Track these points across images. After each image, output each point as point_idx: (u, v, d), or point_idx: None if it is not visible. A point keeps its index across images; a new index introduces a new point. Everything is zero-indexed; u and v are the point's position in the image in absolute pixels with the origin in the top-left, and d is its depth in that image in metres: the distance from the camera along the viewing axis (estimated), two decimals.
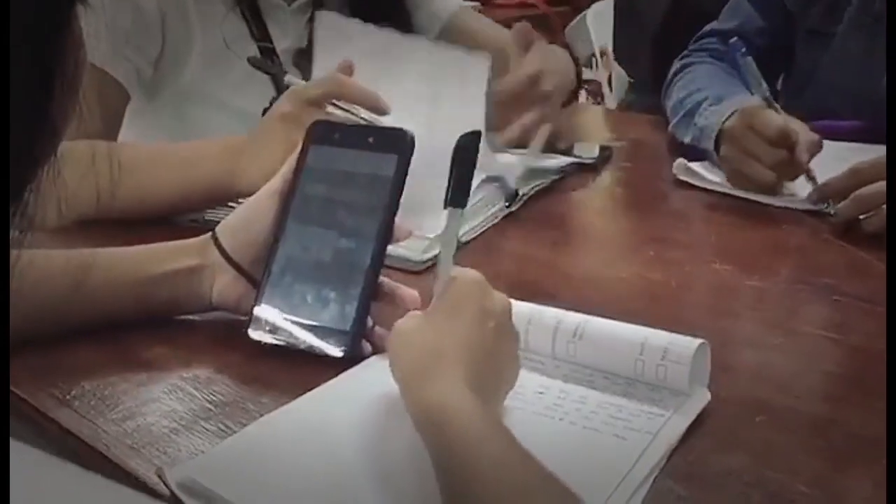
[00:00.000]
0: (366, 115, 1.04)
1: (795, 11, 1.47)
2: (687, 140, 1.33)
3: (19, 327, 0.56)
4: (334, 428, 0.72)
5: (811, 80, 1.46)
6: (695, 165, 1.25)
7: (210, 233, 0.85)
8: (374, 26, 1.17)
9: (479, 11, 1.65)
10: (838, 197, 1.10)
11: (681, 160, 1.26)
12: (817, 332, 0.88)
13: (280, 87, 1.30)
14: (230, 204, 1.05)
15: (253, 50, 1.30)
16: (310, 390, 0.75)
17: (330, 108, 1.05)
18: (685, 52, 1.54)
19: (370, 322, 0.82)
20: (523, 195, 1.16)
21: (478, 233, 1.08)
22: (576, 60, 1.48)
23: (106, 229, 1.05)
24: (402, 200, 0.84)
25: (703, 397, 0.75)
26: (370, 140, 0.85)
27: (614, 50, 2.23)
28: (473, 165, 0.73)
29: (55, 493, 0.35)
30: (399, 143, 0.84)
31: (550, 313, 0.81)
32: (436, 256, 1.00)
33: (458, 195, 0.74)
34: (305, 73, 1.33)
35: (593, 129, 1.60)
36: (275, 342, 0.81)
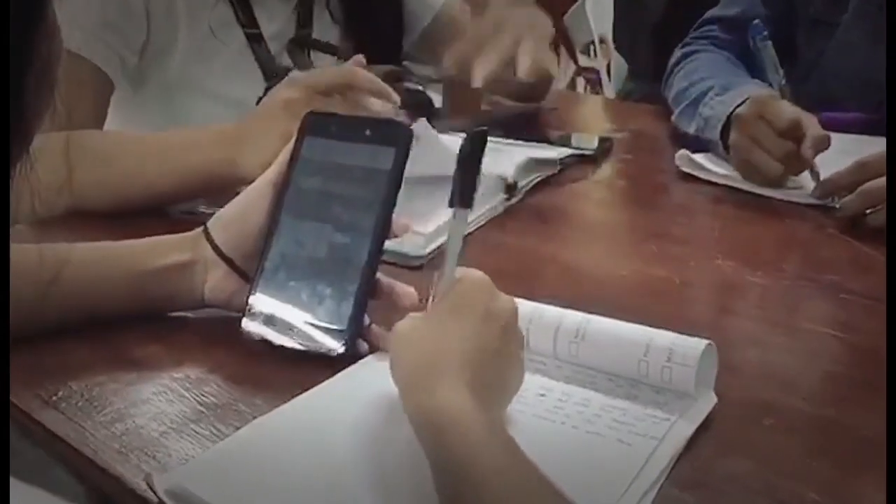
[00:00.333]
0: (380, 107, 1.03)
1: (798, 0, 1.44)
2: (691, 130, 1.31)
3: None
4: (330, 431, 0.69)
5: (814, 69, 1.43)
6: (698, 157, 1.23)
7: (201, 227, 0.83)
8: None
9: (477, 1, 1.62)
10: (844, 191, 1.08)
11: (683, 151, 1.23)
12: (823, 330, 0.86)
13: (269, 75, 1.28)
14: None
15: (240, 36, 1.27)
16: (304, 391, 0.73)
17: None
18: (686, 41, 1.51)
19: (367, 320, 0.80)
20: (522, 188, 1.14)
21: (476, 227, 1.05)
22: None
23: (97, 221, 1.04)
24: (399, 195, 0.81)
25: (709, 400, 0.73)
26: (367, 132, 0.82)
27: (614, 38, 2.20)
28: (480, 164, 0.71)
29: None
30: (397, 136, 0.82)
31: (552, 312, 0.79)
32: (434, 251, 0.98)
33: (464, 195, 0.71)
34: (298, 63, 1.31)
35: (592, 120, 1.58)
36: (268, 341, 0.79)
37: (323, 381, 0.75)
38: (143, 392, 0.74)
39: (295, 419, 0.71)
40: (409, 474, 0.65)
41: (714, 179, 1.20)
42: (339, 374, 0.76)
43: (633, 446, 0.68)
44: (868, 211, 1.07)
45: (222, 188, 1.03)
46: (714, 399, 0.73)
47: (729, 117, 1.21)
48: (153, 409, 0.71)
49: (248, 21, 1.27)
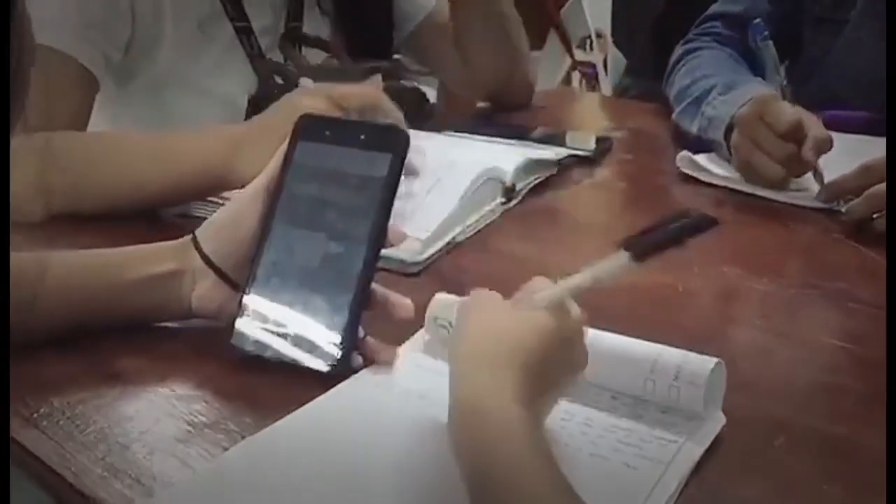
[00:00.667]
0: None
1: None
2: (693, 130, 1.28)
3: None
4: (323, 452, 0.67)
5: (819, 67, 1.40)
6: (700, 158, 1.20)
7: (190, 235, 0.80)
8: None
9: None
10: (849, 195, 1.05)
11: (685, 153, 1.20)
12: (832, 342, 0.84)
13: (259, 72, 1.25)
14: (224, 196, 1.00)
15: (228, 30, 1.24)
16: (297, 407, 0.70)
17: None
18: (689, 37, 1.48)
19: (361, 332, 0.77)
20: (521, 190, 1.11)
21: (474, 231, 1.02)
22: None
23: (85, 225, 1.00)
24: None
25: (718, 420, 0.70)
26: (362, 137, 0.79)
27: (612, 33, 2.17)
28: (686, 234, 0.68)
29: None
30: (393, 142, 0.79)
31: None
32: (432, 257, 0.96)
33: (642, 247, 0.68)
34: (290, 58, 1.28)
35: (589, 118, 1.55)
36: (258, 354, 0.76)
37: (316, 396, 0.72)
38: (128, 409, 0.71)
39: (287, 439, 0.68)
40: (407, 494, 0.62)
41: (716, 182, 1.17)
42: (333, 391, 0.73)
43: (639, 471, 0.65)
44: (875, 215, 1.04)
45: (218, 191, 1.01)
46: (723, 419, 0.70)
47: (732, 118, 1.18)
48: (138, 428, 0.68)
49: (236, 14, 1.24)
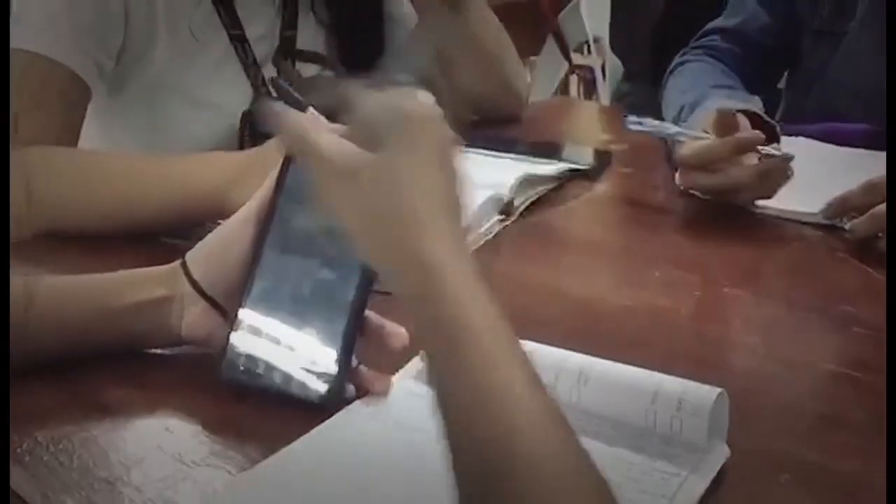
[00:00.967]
0: None
1: (802, 9, 1.39)
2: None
3: None
4: (314, 491, 0.65)
5: (818, 80, 1.38)
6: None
7: (179, 260, 0.78)
8: None
9: None
10: (853, 212, 1.03)
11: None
12: (839, 369, 0.82)
13: (255, 80, 1.23)
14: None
15: (223, 38, 1.22)
16: (288, 442, 0.68)
17: None
18: (684, 50, 1.46)
19: (355, 361, 0.75)
20: (518, 207, 1.09)
21: (470, 251, 1.00)
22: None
23: (66, 249, 0.98)
24: None
25: (721, 453, 0.68)
26: None
27: (611, 40, 2.15)
28: None
29: None
30: None
31: (552, 354, 0.74)
32: None
33: None
34: (283, 72, 1.26)
35: (587, 130, 1.53)
36: (249, 384, 0.74)
37: (309, 428, 0.70)
38: (115, 443, 0.69)
39: (278, 477, 0.66)
40: None
41: (715, 199, 1.15)
42: (325, 424, 0.71)
43: None
44: (880, 234, 1.02)
45: (208, 219, 0.98)
46: (726, 451, 0.68)
47: None
48: (125, 464, 0.66)
49: (231, 21, 1.22)
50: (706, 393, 0.68)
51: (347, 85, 1.17)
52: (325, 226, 0.75)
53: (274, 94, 1.22)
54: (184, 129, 1.21)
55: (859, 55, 1.34)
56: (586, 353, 0.75)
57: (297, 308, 0.75)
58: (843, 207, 1.06)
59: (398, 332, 0.75)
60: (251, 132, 1.20)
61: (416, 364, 0.78)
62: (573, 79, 2.71)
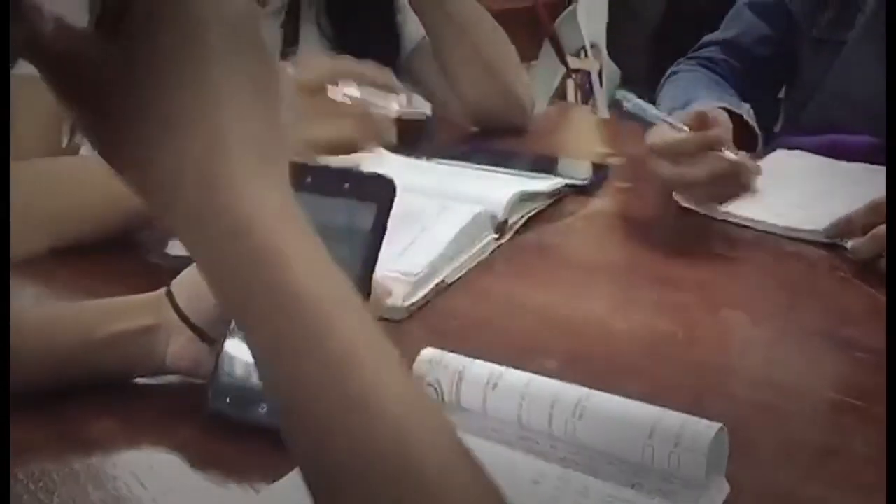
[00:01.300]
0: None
1: (801, 19, 1.37)
2: None
3: None
4: None
5: (816, 90, 1.37)
6: None
7: (164, 288, 0.76)
8: None
9: None
10: (857, 233, 1.01)
11: None
12: (841, 398, 0.80)
13: None
14: None
15: None
16: (277, 478, 0.66)
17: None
18: (679, 60, 1.44)
19: None
20: (513, 225, 1.07)
21: (464, 271, 0.98)
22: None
23: (59, 266, 0.97)
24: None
25: (721, 489, 0.66)
26: (346, 186, 0.75)
27: (609, 46, 2.14)
28: None
29: None
30: (378, 190, 0.74)
31: (547, 386, 0.72)
32: (419, 302, 0.92)
33: None
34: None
35: (584, 142, 1.50)
36: (236, 418, 0.72)
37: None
38: (97, 480, 0.67)
39: None
40: None
41: (715, 215, 1.13)
42: None
43: None
44: (882, 255, 1.00)
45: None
46: (726, 488, 0.66)
47: None
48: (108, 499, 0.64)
49: None
50: (705, 428, 0.66)
51: None
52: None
53: None
54: None
55: (858, 65, 1.32)
56: (581, 380, 0.73)
57: None
58: (847, 228, 1.03)
59: None
60: None
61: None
62: (570, 84, 2.69)
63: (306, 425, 0.44)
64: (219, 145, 0.45)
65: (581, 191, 1.19)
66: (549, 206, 1.14)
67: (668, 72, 1.44)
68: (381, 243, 0.74)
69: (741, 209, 1.12)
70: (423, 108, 1.39)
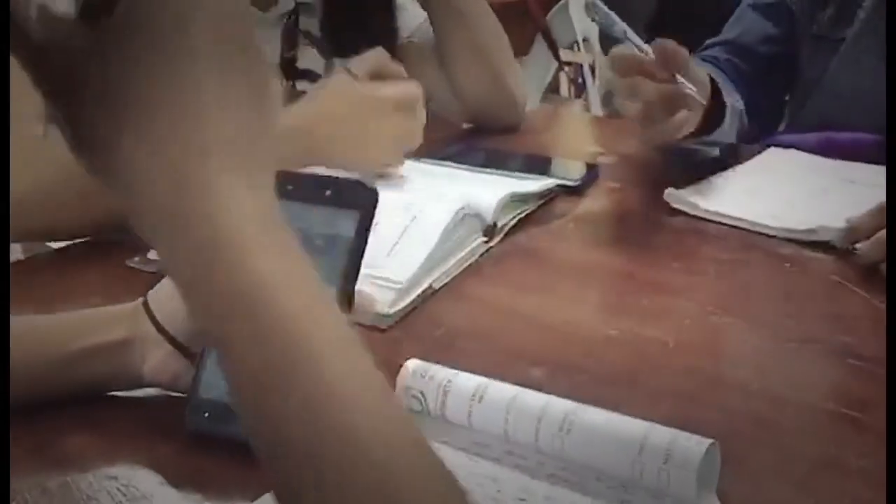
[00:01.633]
0: None
1: (802, 17, 1.35)
2: None
3: None
4: None
5: (816, 88, 1.35)
6: (687, 193, 1.14)
7: (141, 299, 0.74)
8: None
9: None
10: (864, 238, 0.99)
11: (671, 190, 1.14)
12: (836, 408, 0.78)
13: None
14: None
15: None
16: (255, 497, 0.64)
17: None
18: None
19: None
20: (502, 228, 1.05)
21: (451, 276, 0.96)
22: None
23: (22, 276, 0.94)
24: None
25: None
26: (327, 193, 0.73)
27: (601, 41, 2.11)
28: None
29: None
30: (360, 198, 0.73)
31: (534, 399, 0.70)
32: (406, 308, 0.90)
33: None
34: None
35: (575, 141, 1.48)
36: (215, 433, 0.70)
37: None
38: (71, 498, 0.65)
39: None
40: None
41: (707, 216, 1.11)
42: None
43: None
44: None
45: None
46: None
47: None
48: None
49: None
50: (696, 444, 0.65)
51: None
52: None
53: None
54: None
55: (857, 62, 1.31)
56: (569, 390, 0.72)
57: None
58: (856, 235, 1.01)
59: None
60: None
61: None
62: (563, 78, 2.67)
63: (281, 460, 0.43)
64: (198, 146, 0.43)
65: (572, 191, 1.17)
66: (540, 206, 1.12)
67: None
68: (363, 252, 0.72)
69: (734, 209, 1.11)
70: None
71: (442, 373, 0.73)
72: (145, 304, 0.73)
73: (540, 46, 2.42)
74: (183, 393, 0.72)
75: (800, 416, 0.77)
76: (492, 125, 1.37)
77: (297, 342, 0.42)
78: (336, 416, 0.42)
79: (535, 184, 1.13)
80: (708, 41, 1.43)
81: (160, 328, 0.72)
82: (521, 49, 2.45)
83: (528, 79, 2.53)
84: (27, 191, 0.92)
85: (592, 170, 1.22)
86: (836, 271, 0.99)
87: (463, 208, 1.00)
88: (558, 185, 1.16)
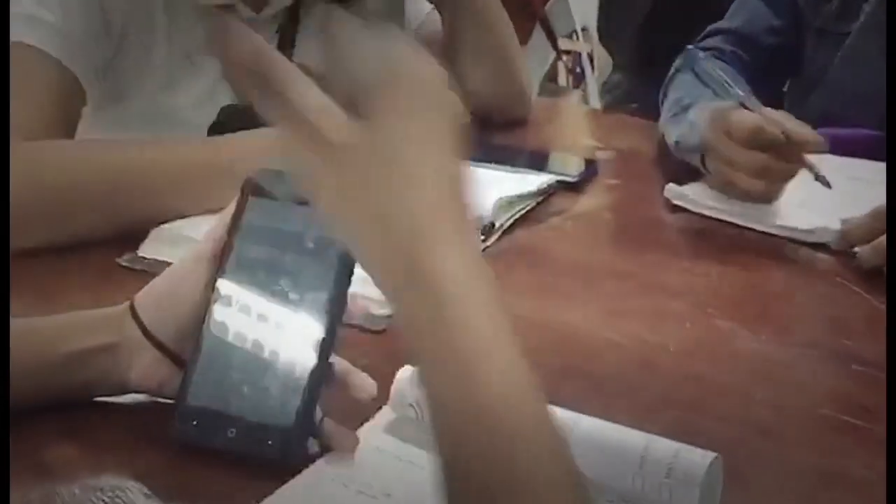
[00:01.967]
0: None
1: (806, 9, 1.33)
2: (674, 139, 1.19)
3: None
4: None
5: (819, 83, 1.33)
6: (688, 189, 1.12)
7: (127, 302, 0.72)
8: None
9: None
10: (864, 242, 0.97)
11: (671, 185, 1.12)
12: (839, 416, 0.76)
13: (244, 100, 1.17)
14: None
15: (217, 62, 1.16)
16: None
17: None
18: (687, 49, 1.39)
19: (319, 413, 0.69)
20: (500, 227, 1.03)
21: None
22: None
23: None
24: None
25: None
26: None
27: (600, 31, 2.09)
28: None
29: None
30: None
31: None
32: None
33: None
34: None
35: (574, 136, 1.46)
36: (203, 442, 0.68)
37: (267, 493, 0.64)
38: None
39: None
40: None
41: (707, 213, 1.09)
42: (284, 489, 0.65)
43: None
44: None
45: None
46: None
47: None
48: None
49: None
50: (698, 458, 0.63)
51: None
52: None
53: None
54: None
55: (861, 57, 1.29)
56: (567, 396, 0.69)
57: (255, 356, 0.69)
58: (855, 238, 0.99)
59: (365, 385, 0.70)
60: None
61: (386, 415, 0.72)
62: (561, 68, 2.65)
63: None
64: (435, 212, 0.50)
65: (570, 187, 1.15)
66: (538, 203, 1.10)
67: (679, 61, 1.38)
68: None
69: (735, 206, 1.09)
70: None
71: None
72: (132, 308, 0.71)
73: (539, 36, 2.40)
74: (170, 399, 0.70)
75: (804, 425, 0.75)
76: (499, 118, 1.34)
77: (498, 425, 0.48)
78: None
79: (533, 181, 1.11)
80: (710, 27, 1.40)
81: (147, 333, 0.70)
82: (521, 39, 2.43)
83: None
84: None
85: (591, 165, 1.20)
86: (840, 272, 0.98)
87: None
88: (556, 182, 1.14)
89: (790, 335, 0.87)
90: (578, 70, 2.54)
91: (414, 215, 0.49)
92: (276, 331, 0.69)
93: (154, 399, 0.72)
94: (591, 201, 1.14)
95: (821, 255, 1.01)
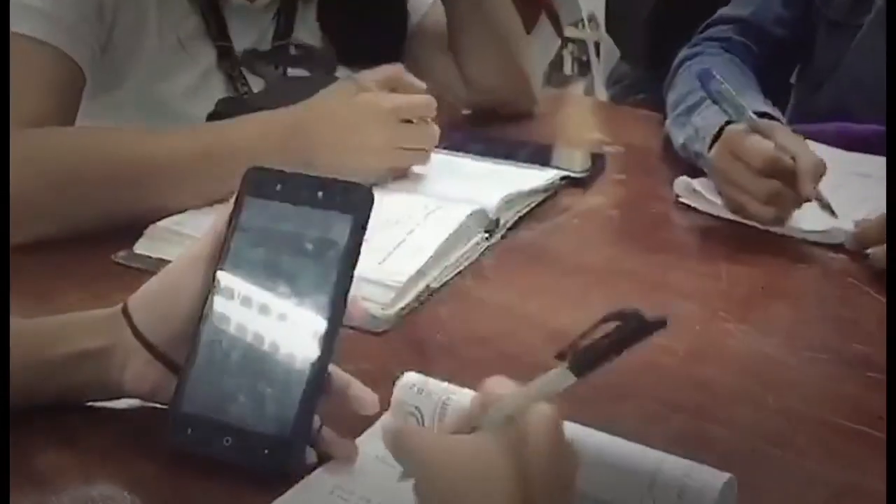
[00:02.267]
0: None
1: (818, 0, 1.30)
2: (680, 141, 1.17)
3: None
4: None
5: (830, 76, 1.30)
6: (699, 184, 1.09)
7: (120, 305, 0.70)
8: None
9: None
10: (876, 243, 0.95)
11: (683, 178, 1.10)
12: (853, 426, 0.74)
13: (239, 90, 1.15)
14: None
15: (210, 51, 1.14)
16: None
17: None
18: (694, 41, 1.36)
19: (317, 422, 0.67)
20: (505, 223, 1.01)
21: (451, 275, 0.92)
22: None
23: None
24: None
25: None
26: (319, 195, 0.69)
27: (607, 21, 2.06)
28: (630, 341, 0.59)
29: None
30: (354, 202, 0.68)
31: None
32: (405, 310, 0.86)
33: (582, 362, 0.60)
34: (261, 74, 1.19)
35: (580, 130, 1.43)
36: (197, 450, 0.66)
37: (264, 502, 0.62)
38: None
39: None
40: None
41: (716, 212, 1.07)
42: (283, 498, 0.63)
43: None
44: None
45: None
46: None
47: (722, 129, 1.07)
48: None
49: (219, 33, 1.15)
50: (711, 479, 0.60)
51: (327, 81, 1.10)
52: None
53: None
54: None
55: (873, 51, 1.26)
56: (572, 401, 0.66)
57: (252, 362, 0.67)
58: (864, 240, 0.97)
59: (365, 398, 0.68)
60: None
61: (386, 422, 0.70)
62: (567, 56, 2.62)
63: None
64: None
65: (576, 183, 1.13)
66: (543, 200, 1.08)
67: (685, 54, 1.35)
68: (356, 258, 0.68)
69: None
70: None
71: (440, 389, 0.69)
72: (125, 310, 0.69)
73: (544, 25, 2.37)
74: (164, 404, 0.68)
75: (817, 434, 0.73)
76: (504, 111, 1.32)
77: None
78: None
79: (539, 177, 1.09)
80: (718, 14, 1.37)
81: (140, 337, 0.68)
82: (526, 27, 2.40)
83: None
84: None
85: (598, 161, 1.18)
86: (852, 273, 0.95)
87: (472, 215, 0.96)
88: (563, 178, 1.11)
89: (802, 339, 0.85)
90: (584, 59, 2.51)
91: None
92: (273, 335, 0.67)
93: (148, 405, 0.70)
94: (597, 198, 1.12)
95: (833, 256, 0.99)
